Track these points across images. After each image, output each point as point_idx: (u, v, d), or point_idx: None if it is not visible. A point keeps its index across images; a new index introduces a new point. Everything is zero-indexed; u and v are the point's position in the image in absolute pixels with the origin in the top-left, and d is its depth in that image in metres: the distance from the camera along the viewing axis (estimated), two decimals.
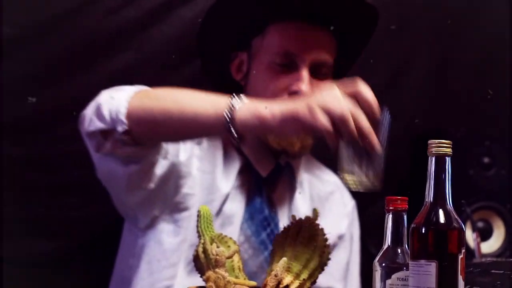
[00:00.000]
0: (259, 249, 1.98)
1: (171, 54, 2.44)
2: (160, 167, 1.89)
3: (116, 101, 1.76)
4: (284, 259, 1.50)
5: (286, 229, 1.56)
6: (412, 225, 1.36)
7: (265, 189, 2.06)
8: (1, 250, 2.26)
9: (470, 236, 2.36)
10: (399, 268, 1.48)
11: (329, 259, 1.53)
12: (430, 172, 1.36)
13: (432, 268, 1.31)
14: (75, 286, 1.98)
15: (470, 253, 2.27)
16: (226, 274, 1.47)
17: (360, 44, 2.17)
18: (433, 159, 1.36)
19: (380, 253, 1.51)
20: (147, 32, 2.38)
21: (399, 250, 1.49)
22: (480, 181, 2.51)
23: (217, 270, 1.47)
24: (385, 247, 1.50)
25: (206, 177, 2.00)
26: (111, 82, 2.34)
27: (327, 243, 1.55)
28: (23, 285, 2.30)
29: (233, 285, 1.47)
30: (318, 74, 2.00)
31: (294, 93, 1.95)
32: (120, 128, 1.73)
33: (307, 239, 1.52)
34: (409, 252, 1.39)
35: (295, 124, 1.53)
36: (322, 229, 1.55)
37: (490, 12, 2.89)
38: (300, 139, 1.99)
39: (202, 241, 1.54)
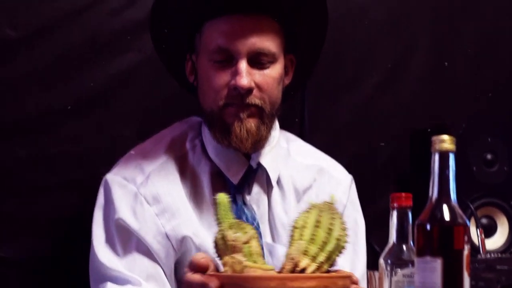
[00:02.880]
0: None
1: None
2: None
3: None
4: (301, 242, 1.51)
5: (305, 214, 1.57)
6: (417, 222, 1.36)
7: (240, 195, 2.02)
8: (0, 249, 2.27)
9: (474, 233, 2.36)
10: (404, 265, 1.49)
11: (346, 242, 1.54)
12: (433, 168, 1.36)
13: (437, 264, 1.31)
14: (72, 287, 1.98)
15: (474, 249, 2.27)
16: (243, 259, 1.49)
17: (314, 28, 2.12)
18: (437, 155, 1.36)
19: (386, 250, 1.52)
20: (149, 33, 2.39)
21: (404, 247, 1.50)
22: (483, 177, 2.51)
23: (234, 255, 1.49)
24: (390, 244, 1.51)
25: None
26: (113, 82, 2.38)
27: (345, 226, 1.56)
28: (19, 284, 2.30)
29: (250, 269, 1.48)
30: (259, 63, 1.96)
31: (234, 89, 1.93)
32: None
33: (325, 223, 1.53)
34: (414, 248, 1.40)
35: None
36: (340, 213, 1.56)
37: (490, 3, 2.89)
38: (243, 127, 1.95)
39: (221, 228, 1.56)
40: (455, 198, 1.35)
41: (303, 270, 1.49)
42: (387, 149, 2.73)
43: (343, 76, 2.69)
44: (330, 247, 1.51)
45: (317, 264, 1.50)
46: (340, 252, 1.54)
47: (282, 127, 2.18)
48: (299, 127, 2.45)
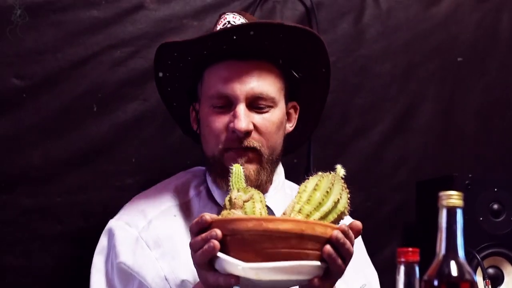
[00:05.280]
0: None
1: None
2: None
3: None
4: (294, 199, 1.60)
5: (307, 180, 1.65)
6: (424, 278, 1.35)
7: None
8: None
9: (481, 283, 2.34)
10: None
11: (346, 207, 1.63)
12: (441, 224, 1.35)
13: None
14: None
15: None
16: (239, 214, 1.56)
17: (316, 75, 2.12)
18: (444, 211, 1.35)
19: None
20: (154, 82, 2.39)
21: None
22: (490, 227, 2.49)
23: (233, 210, 1.56)
24: None
25: None
26: (118, 132, 2.38)
27: (345, 193, 1.64)
28: None
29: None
30: (258, 107, 1.98)
31: (232, 132, 1.94)
32: None
33: (323, 186, 1.61)
34: None
35: None
36: (342, 180, 1.64)
37: (496, 56, 2.90)
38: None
39: (230, 192, 1.64)
40: (463, 254, 1.34)
41: None
42: (393, 199, 2.72)
43: (349, 126, 2.68)
44: (326, 207, 1.59)
45: None
46: (339, 215, 1.62)
47: (289, 177, 2.17)
48: (305, 176, 2.45)
